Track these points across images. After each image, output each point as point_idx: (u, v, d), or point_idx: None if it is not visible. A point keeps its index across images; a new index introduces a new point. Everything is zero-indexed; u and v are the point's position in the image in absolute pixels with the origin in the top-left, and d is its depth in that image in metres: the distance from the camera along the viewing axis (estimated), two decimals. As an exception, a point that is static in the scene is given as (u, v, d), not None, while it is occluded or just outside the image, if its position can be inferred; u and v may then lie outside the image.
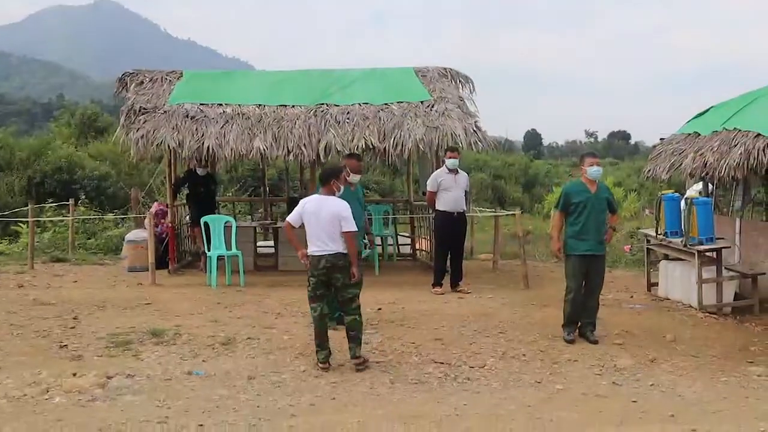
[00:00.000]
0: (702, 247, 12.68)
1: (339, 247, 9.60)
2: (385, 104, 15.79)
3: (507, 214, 21.17)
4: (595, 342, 10.96)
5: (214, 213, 16.57)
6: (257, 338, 10.77)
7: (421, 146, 14.96)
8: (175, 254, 16.11)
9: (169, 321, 11.62)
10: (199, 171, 16.29)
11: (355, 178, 11.16)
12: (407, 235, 19.05)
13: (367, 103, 15.84)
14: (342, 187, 10.08)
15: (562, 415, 8.44)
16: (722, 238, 13.38)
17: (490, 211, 20.70)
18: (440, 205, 14.05)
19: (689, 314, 12.53)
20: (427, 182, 14.46)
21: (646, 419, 8.36)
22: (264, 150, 14.91)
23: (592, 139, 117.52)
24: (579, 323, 11.20)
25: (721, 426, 8.13)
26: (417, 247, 18.37)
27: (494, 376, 9.72)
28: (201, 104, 15.90)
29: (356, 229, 9.68)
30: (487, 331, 11.33)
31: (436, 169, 14.60)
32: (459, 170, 14.24)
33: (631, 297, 14.01)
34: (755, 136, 12.46)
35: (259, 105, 15.88)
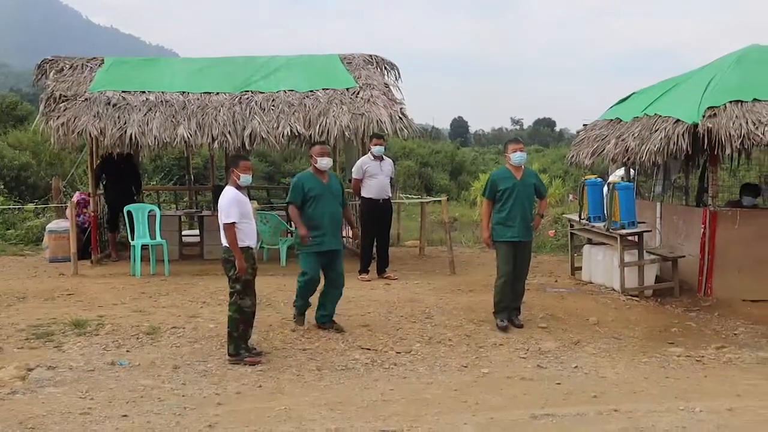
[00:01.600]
0: (624, 231, 12.87)
1: (223, 239, 9.45)
2: (311, 91, 15.70)
3: (433, 201, 21.26)
4: (520, 326, 11.05)
5: (134, 202, 16.22)
6: (182, 327, 10.65)
7: (347, 133, 14.91)
8: (97, 244, 15.83)
9: (92, 311, 11.43)
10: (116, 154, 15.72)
11: (323, 163, 10.53)
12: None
13: (292, 90, 15.74)
14: (317, 177, 10.45)
15: (488, 398, 8.54)
16: (644, 222, 13.60)
17: (417, 198, 20.74)
18: (365, 192, 14.04)
19: (612, 297, 12.73)
20: (353, 169, 14.45)
21: (570, 401, 8.49)
22: (188, 138, 14.72)
23: (517, 127, 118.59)
24: (508, 310, 11.21)
25: (642, 405, 8.30)
26: (344, 234, 18.32)
27: (421, 361, 9.78)
28: (123, 92, 15.62)
29: (232, 221, 9.26)
30: (414, 316, 11.37)
31: (363, 156, 14.58)
32: (384, 157, 14.24)
33: (556, 281, 14.18)
34: (675, 122, 12.68)
35: (183, 92, 15.66)
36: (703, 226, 12.93)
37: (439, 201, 17.87)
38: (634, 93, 16.10)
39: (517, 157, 11.09)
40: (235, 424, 7.53)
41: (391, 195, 14.45)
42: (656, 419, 7.82)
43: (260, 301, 11.76)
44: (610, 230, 13.05)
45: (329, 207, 10.48)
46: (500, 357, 10.07)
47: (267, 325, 10.62)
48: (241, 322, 9.50)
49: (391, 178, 14.46)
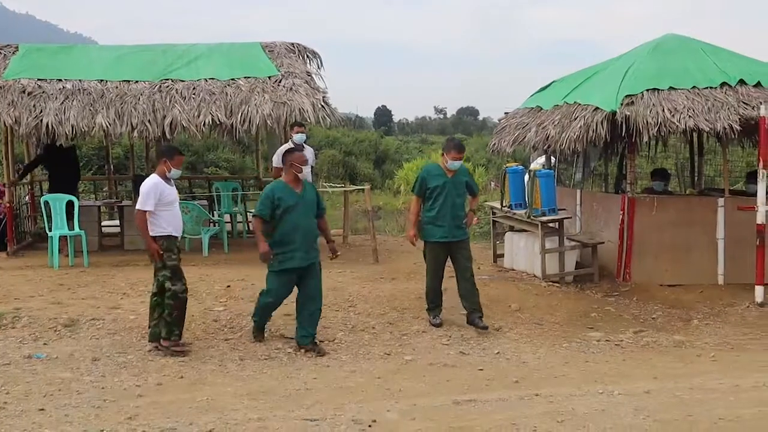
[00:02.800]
0: (545, 218, 13.02)
1: (152, 229, 9.41)
2: (232, 79, 15.52)
3: (357, 190, 21.26)
4: (485, 328, 10.61)
5: (76, 193, 15.87)
6: (102, 319, 10.48)
7: (269, 122, 14.77)
8: (13, 235, 15.48)
9: (8, 304, 11.16)
10: (64, 144, 15.30)
11: (306, 172, 9.94)
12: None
13: (213, 79, 15.53)
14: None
15: (411, 385, 8.59)
16: (564, 210, 13.78)
17: (340, 187, 20.71)
18: (287, 181, 13.94)
19: (533, 284, 12.87)
20: (273, 158, 14.36)
21: (492, 386, 8.58)
22: (107, 127, 14.44)
23: (441, 116, 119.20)
24: (441, 307, 10.99)
25: (563, 389, 8.42)
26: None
27: (344, 350, 9.80)
28: (39, 80, 15.24)
29: (145, 208, 9.28)
30: (337, 305, 11.36)
31: (283, 144, 14.48)
32: (305, 145, 14.17)
33: (479, 268, 14.21)
34: (594, 110, 12.88)
35: (101, 80, 15.34)
36: (621, 212, 13.15)
37: (363, 190, 17.87)
38: (554, 81, 16.28)
39: (456, 165, 10.70)
40: (155, 415, 7.43)
41: (312, 183, 14.35)
42: (576, 403, 7.94)
43: (182, 292, 11.68)
44: (532, 217, 13.19)
45: (303, 220, 9.62)
46: (423, 344, 10.13)
47: (189, 316, 10.45)
48: (175, 308, 9.42)
49: (312, 167, 14.38)
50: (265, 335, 10.13)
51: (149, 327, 9.66)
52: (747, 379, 8.88)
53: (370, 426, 7.18)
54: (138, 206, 9.36)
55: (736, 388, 8.48)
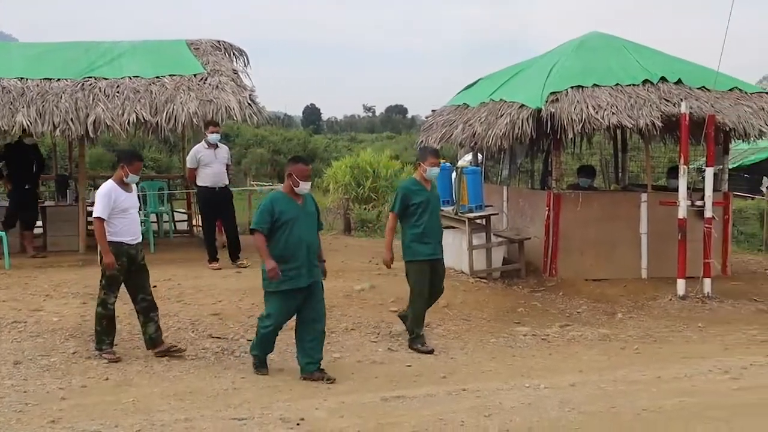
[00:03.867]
0: (472, 215, 13.10)
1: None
2: (157, 77, 15.30)
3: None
4: (431, 351, 9.93)
5: (37, 193, 15.48)
6: (24, 321, 10.26)
7: (195, 120, 14.59)
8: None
9: (-74, 308, 10.88)
10: (27, 140, 14.92)
11: (304, 187, 8.79)
12: (184, 211, 18.69)
13: (137, 77, 15.28)
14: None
15: (339, 382, 8.59)
16: (491, 206, 13.89)
17: (268, 185, 20.61)
18: (201, 181, 13.81)
19: (461, 280, 12.94)
20: (187, 158, 14.24)
21: (420, 382, 8.63)
22: (27, 125, 14.12)
23: (370, 114, 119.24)
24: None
25: (490, 384, 8.51)
26: (194, 223, 18.05)
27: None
28: (-44, 78, 14.88)
29: (100, 216, 9.02)
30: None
31: (197, 145, 14.34)
32: (219, 144, 14.05)
33: (406, 265, 14.30)
34: (519, 107, 13.01)
35: (21, 78, 15.01)
36: (547, 208, 13.30)
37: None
38: (480, 79, 16.40)
39: (434, 172, 10.21)
40: (79, 418, 7.31)
41: (228, 182, 14.25)
42: (503, 397, 8.01)
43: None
44: (459, 214, 13.26)
45: (306, 234, 8.72)
46: (351, 341, 10.14)
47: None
48: (103, 317, 9.24)
49: (228, 165, 14.27)
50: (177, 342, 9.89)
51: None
52: (669, 370, 9.07)
53: (298, 424, 7.16)
54: (93, 214, 9.17)
55: (658, 380, 8.66)
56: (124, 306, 10.78)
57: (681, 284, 12.49)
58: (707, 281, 12.61)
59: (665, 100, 13.02)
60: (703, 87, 13.45)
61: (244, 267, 13.69)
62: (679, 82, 13.41)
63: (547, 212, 13.30)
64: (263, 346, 8.94)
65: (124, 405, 7.73)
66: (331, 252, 15.51)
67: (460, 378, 8.76)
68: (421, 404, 7.81)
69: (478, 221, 13.27)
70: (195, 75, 15.46)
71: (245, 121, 15.03)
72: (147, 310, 9.40)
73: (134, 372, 8.84)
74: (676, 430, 7.04)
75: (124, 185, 9.29)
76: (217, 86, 15.16)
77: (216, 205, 13.89)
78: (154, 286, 11.57)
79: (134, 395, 8.03)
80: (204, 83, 15.22)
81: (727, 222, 14.04)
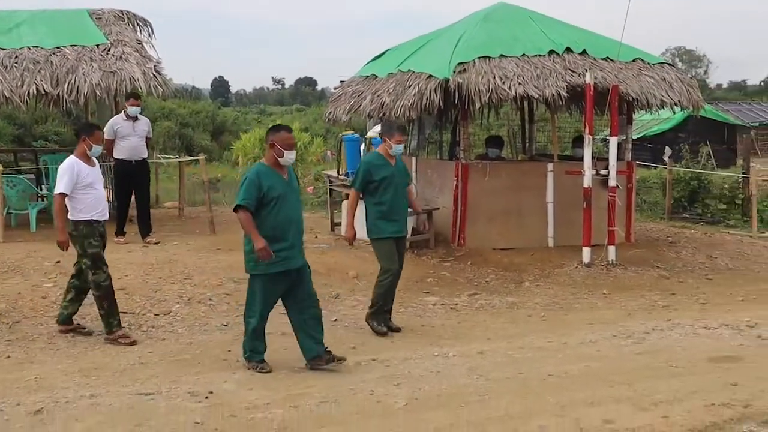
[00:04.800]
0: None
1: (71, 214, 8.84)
2: (58, 48, 14.90)
3: (192, 161, 20.87)
4: (398, 330, 9.61)
5: None
6: None
7: (98, 92, 14.30)
8: None
9: None
10: None
11: (289, 157, 8.03)
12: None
13: (37, 47, 14.87)
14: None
15: (248, 355, 8.52)
16: (399, 177, 13.90)
17: (174, 158, 20.31)
18: (118, 153, 13.52)
19: (370, 251, 12.86)
20: (104, 129, 13.94)
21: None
22: None
23: (279, 86, 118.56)
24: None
25: (399, 353, 8.55)
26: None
27: (180, 322, 9.63)
28: None
29: (63, 192, 8.63)
30: (173, 277, 11.15)
31: (115, 116, 14.06)
32: (140, 117, 13.79)
33: (316, 237, 14.27)
34: (427, 78, 13.04)
35: None
36: (455, 178, 13.37)
37: (197, 160, 17.58)
38: (388, 50, 16.37)
39: (400, 149, 9.70)
40: (-22, 397, 7.12)
41: (146, 156, 14.00)
42: (412, 366, 8.07)
43: (8, 269, 11.23)
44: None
45: (294, 211, 8.06)
46: (263, 314, 10.06)
47: (16, 293, 10.11)
48: (102, 299, 8.93)
49: (148, 139, 14.03)
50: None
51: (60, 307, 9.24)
52: (574, 336, 9.24)
53: (206, 397, 7.11)
54: (55, 190, 8.82)
55: (564, 346, 8.82)
56: (26, 282, 10.61)
57: (586, 252, 12.71)
58: (611, 249, 12.86)
59: (570, 70, 13.18)
60: (607, 58, 13.66)
61: (154, 244, 13.46)
62: (583, 52, 13.59)
63: (455, 182, 13.38)
64: (255, 340, 8.09)
65: (26, 383, 7.54)
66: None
67: (369, 348, 8.78)
68: (330, 375, 7.82)
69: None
70: (98, 45, 15.13)
71: (150, 93, 14.78)
72: (83, 291, 9.13)
73: (37, 349, 8.64)
74: (581, 394, 7.16)
75: (87, 159, 8.94)
76: (120, 57, 14.87)
77: (131, 178, 13.62)
78: (58, 261, 11.39)
79: (37, 372, 7.85)
80: (107, 54, 14.90)
81: (630, 191, 14.32)
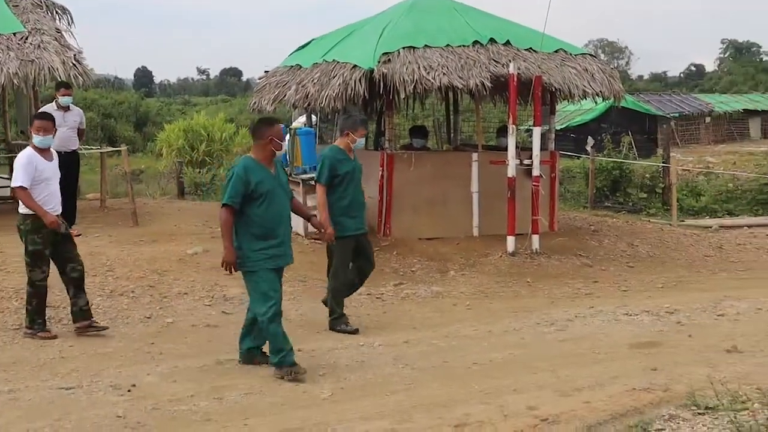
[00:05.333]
0: (306, 176, 13.05)
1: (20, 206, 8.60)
2: (-28, 36, 14.52)
3: (114, 152, 20.56)
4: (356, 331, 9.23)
5: None
6: None
7: (15, 81, 13.96)
8: None
9: None
10: None
11: (283, 149, 8.03)
12: (6, 176, 17.89)
13: (-51, 35, 14.47)
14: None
15: (172, 347, 8.47)
16: (325, 167, 13.84)
17: (96, 149, 19.98)
18: (48, 144, 13.26)
19: (296, 241, 12.78)
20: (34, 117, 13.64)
21: (254, 344, 8.54)
22: None
23: (204, 77, 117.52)
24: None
25: (325, 343, 8.62)
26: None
27: (102, 315, 9.45)
28: None
29: (17, 184, 8.39)
30: (94, 270, 10.93)
31: (40, 106, 13.76)
32: (72, 107, 13.51)
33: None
34: (352, 68, 12.99)
35: None
36: (381, 168, 13.36)
37: (119, 150, 17.32)
38: (313, 39, 16.27)
39: (362, 143, 9.66)
40: None
41: (76, 148, 13.73)
42: (338, 356, 8.07)
43: None
44: (293, 175, 13.19)
45: (284, 207, 7.69)
46: (185, 306, 9.96)
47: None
48: (33, 296, 8.72)
49: (81, 130, 13.78)
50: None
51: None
52: (498, 324, 9.34)
53: (129, 391, 7.02)
54: (12, 184, 8.61)
55: (488, 334, 8.90)
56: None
57: (511, 241, 12.81)
58: (535, 238, 12.99)
59: (494, 61, 13.25)
60: (531, 48, 13.75)
61: (76, 236, 13.17)
62: (507, 43, 13.66)
63: (380, 173, 13.37)
64: (280, 338, 7.53)
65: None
66: (164, 216, 15.30)
67: (294, 339, 8.65)
68: (255, 366, 7.76)
69: (313, 182, 13.21)
70: (14, 34, 14.71)
71: (71, 83, 14.46)
72: (78, 280, 8.88)
73: (-46, 344, 8.44)
74: (506, 381, 7.23)
75: (43, 152, 8.70)
76: (39, 46, 14.51)
77: (60, 169, 13.30)
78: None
79: (-46, 368, 7.68)
80: (24, 42, 14.53)
81: (554, 180, 14.46)
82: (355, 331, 9.09)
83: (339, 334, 8.96)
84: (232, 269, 7.47)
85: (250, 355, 7.85)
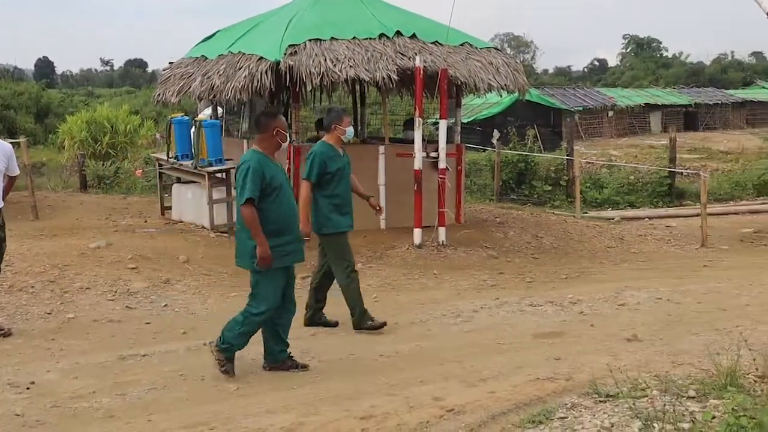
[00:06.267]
0: (212, 169, 12.92)
1: None
2: None
3: (12, 143, 19.99)
4: (336, 324, 9.10)
5: None
6: None
7: None
8: None
9: None
10: None
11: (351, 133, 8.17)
12: None
13: None
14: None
15: (73, 343, 8.31)
16: (231, 159, 13.71)
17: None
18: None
19: (202, 235, 12.77)
20: None
21: (159, 339, 8.49)
22: None
23: (108, 68, 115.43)
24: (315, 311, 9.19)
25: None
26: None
27: (-1, 311, 9.21)
28: None
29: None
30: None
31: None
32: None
33: (145, 222, 13.95)
34: (258, 60, 12.89)
35: None
36: (288, 161, 13.28)
37: (18, 142, 16.87)
38: (219, 31, 16.09)
39: (351, 131, 9.22)
40: None
41: None
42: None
43: None
44: (198, 168, 13.04)
45: (292, 200, 7.47)
46: (87, 301, 9.77)
47: None
48: None
49: None
50: None
51: None
52: (405, 316, 9.39)
53: (28, 388, 6.85)
54: None
55: (396, 326, 8.91)
56: None
57: (417, 233, 12.88)
58: (442, 230, 13.09)
59: (401, 53, 13.28)
60: (436, 42, 13.83)
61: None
62: (413, 36, 13.70)
63: (287, 165, 13.29)
64: (244, 339, 7.34)
65: None
66: (66, 209, 14.99)
67: (201, 333, 8.64)
68: (160, 361, 7.66)
69: (218, 175, 13.10)
70: None
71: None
72: None
73: None
74: (412, 372, 7.24)
75: None
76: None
77: None
78: None
79: None
80: None
81: (460, 173, 14.58)
82: (383, 325, 8.80)
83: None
84: (267, 265, 7.09)
85: (282, 358, 7.51)
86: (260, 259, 7.03)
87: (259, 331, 7.40)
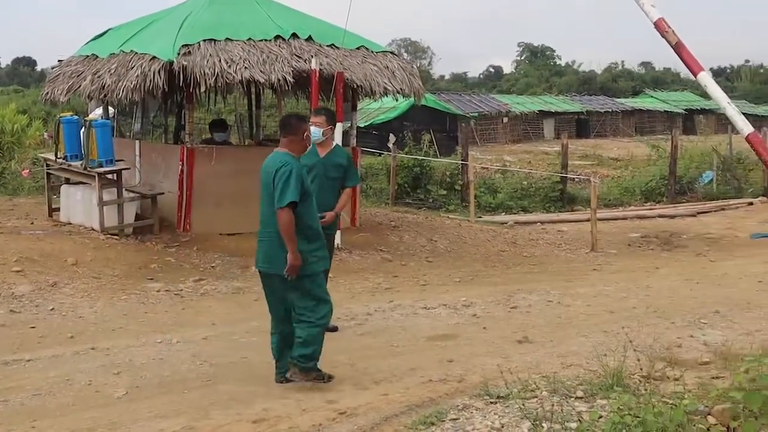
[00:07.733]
0: (102, 170, 12.63)
1: None
2: None
3: None
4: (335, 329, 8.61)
5: None
6: None
7: None
8: None
9: None
10: None
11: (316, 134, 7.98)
12: None
13: None
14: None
15: (-47, 348, 7.99)
16: (122, 160, 13.45)
17: None
18: None
19: (91, 237, 12.45)
20: None
21: (45, 343, 8.27)
22: None
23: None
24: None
25: (121, 341, 8.31)
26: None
27: None
28: None
29: None
30: None
31: None
32: None
33: (32, 223, 13.52)
34: (151, 59, 12.69)
35: None
36: (181, 163, 13.11)
37: None
38: (110, 29, 15.77)
39: (317, 134, 8.60)
40: None
41: None
42: (134, 354, 7.85)
43: None
44: (88, 169, 12.74)
45: (314, 205, 7.20)
46: (-31, 305, 9.45)
47: None
48: None
49: None
50: None
51: None
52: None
53: None
54: None
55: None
56: None
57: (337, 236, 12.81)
58: (337, 233, 13.03)
59: (296, 56, 13.22)
60: (333, 45, 13.81)
61: None
62: (309, 38, 13.66)
63: (180, 167, 13.11)
64: (321, 345, 7.03)
65: None
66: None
67: (88, 337, 8.45)
68: (45, 365, 7.46)
69: (109, 176, 12.81)
70: None
71: None
72: None
73: None
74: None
75: None
76: None
77: None
78: None
79: None
80: None
81: (355, 176, 14.55)
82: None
83: (136, 332, 8.70)
84: (296, 272, 6.78)
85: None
86: (290, 268, 6.75)
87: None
